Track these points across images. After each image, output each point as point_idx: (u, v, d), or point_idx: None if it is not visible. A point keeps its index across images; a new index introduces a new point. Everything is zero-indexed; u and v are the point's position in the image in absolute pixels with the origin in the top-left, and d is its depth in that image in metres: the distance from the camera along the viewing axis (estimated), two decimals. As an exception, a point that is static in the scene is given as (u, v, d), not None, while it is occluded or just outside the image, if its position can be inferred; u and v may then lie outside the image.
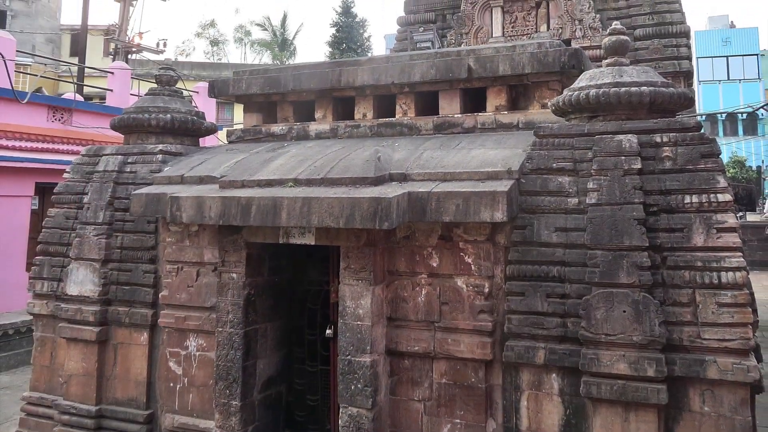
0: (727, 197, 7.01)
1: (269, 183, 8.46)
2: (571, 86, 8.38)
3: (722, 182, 7.12)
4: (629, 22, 15.63)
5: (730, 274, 6.79)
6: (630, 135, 7.54)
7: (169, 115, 10.71)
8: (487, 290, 7.75)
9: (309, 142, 10.02)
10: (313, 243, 8.22)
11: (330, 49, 35.71)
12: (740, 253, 6.89)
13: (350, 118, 10.38)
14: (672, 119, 7.73)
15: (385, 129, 9.85)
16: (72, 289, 9.93)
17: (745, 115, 60.84)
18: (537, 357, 7.32)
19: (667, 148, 7.41)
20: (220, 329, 8.79)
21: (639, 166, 7.33)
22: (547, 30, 15.36)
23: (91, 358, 9.82)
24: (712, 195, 7.07)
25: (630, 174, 7.31)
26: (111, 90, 25.12)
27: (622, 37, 8.59)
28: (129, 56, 31.73)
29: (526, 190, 7.70)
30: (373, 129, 9.92)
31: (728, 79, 63.33)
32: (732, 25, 68.33)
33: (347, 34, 34.84)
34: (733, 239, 6.93)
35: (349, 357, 7.89)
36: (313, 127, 10.43)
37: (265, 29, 41.44)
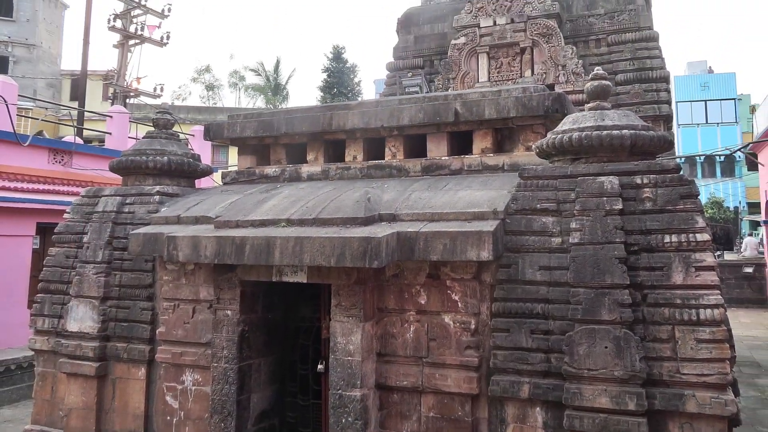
0: (706, 237, 7.06)
1: (262, 223, 8.49)
2: (555, 129, 8.45)
3: (701, 222, 7.18)
4: (611, 67, 15.76)
5: (709, 311, 6.82)
6: (611, 177, 7.59)
7: (165, 158, 10.78)
8: (473, 327, 7.76)
9: (301, 184, 10.05)
10: (305, 281, 8.25)
11: (321, 94, 35.90)
12: (718, 291, 6.92)
13: (341, 160, 10.44)
14: (652, 161, 7.79)
15: (375, 171, 9.91)
16: (72, 326, 9.93)
17: (722, 158, 61.08)
18: (522, 391, 7.31)
19: (647, 189, 7.46)
20: (216, 364, 8.79)
21: (620, 206, 7.38)
22: (532, 75, 15.47)
23: (91, 392, 9.81)
24: (690, 235, 7.11)
25: (611, 214, 7.35)
26: (110, 133, 25.15)
27: (603, 82, 8.67)
28: (127, 100, 31.80)
29: (511, 229, 7.74)
30: (364, 171, 9.98)
31: (706, 122, 63.64)
32: (710, 71, 68.73)
33: (338, 79, 35.00)
34: (711, 277, 6.97)
35: (340, 391, 7.88)
36: (305, 169, 10.48)
37: (259, 74, 41.63)
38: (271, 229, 8.28)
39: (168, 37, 30.76)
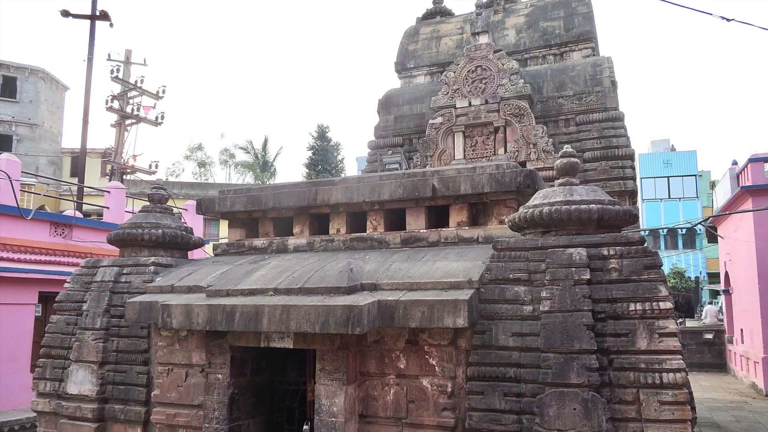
0: (668, 305, 7.13)
1: (251, 292, 8.52)
2: (526, 204, 8.54)
3: (664, 291, 7.25)
4: (579, 145, 15.92)
5: (671, 375, 6.87)
6: (580, 248, 7.67)
7: (160, 230, 10.86)
8: (449, 389, 7.77)
9: (288, 255, 10.09)
10: (291, 347, 8.27)
11: (307, 170, 36.09)
12: (680, 356, 6.97)
13: (325, 232, 10.52)
14: (618, 234, 7.88)
15: (357, 243, 9.98)
16: (72, 389, 9.93)
17: (684, 231, 61.51)
18: (496, 450, 7.32)
19: (613, 260, 7.55)
20: (207, 425, 8.76)
21: (588, 276, 7.45)
22: (505, 153, 15.63)
23: (90, 451, 9.75)
24: (654, 303, 7.18)
25: (580, 284, 7.42)
26: (108, 207, 25.22)
27: (572, 159, 8.79)
28: (124, 176, 31.88)
29: (485, 298, 7.79)
30: (346, 243, 10.05)
31: (669, 197, 64.12)
32: (672, 149, 69.44)
33: (322, 157, 35.21)
34: (674, 343, 7.03)
35: (324, 451, 7.86)
36: (292, 241, 10.55)
37: (248, 152, 41.82)
38: (259, 297, 8.31)
39: (162, 117, 30.95)
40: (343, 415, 7.83)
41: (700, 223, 32.18)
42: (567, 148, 9.05)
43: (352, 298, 7.74)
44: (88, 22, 26.81)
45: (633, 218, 8.41)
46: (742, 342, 27.50)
